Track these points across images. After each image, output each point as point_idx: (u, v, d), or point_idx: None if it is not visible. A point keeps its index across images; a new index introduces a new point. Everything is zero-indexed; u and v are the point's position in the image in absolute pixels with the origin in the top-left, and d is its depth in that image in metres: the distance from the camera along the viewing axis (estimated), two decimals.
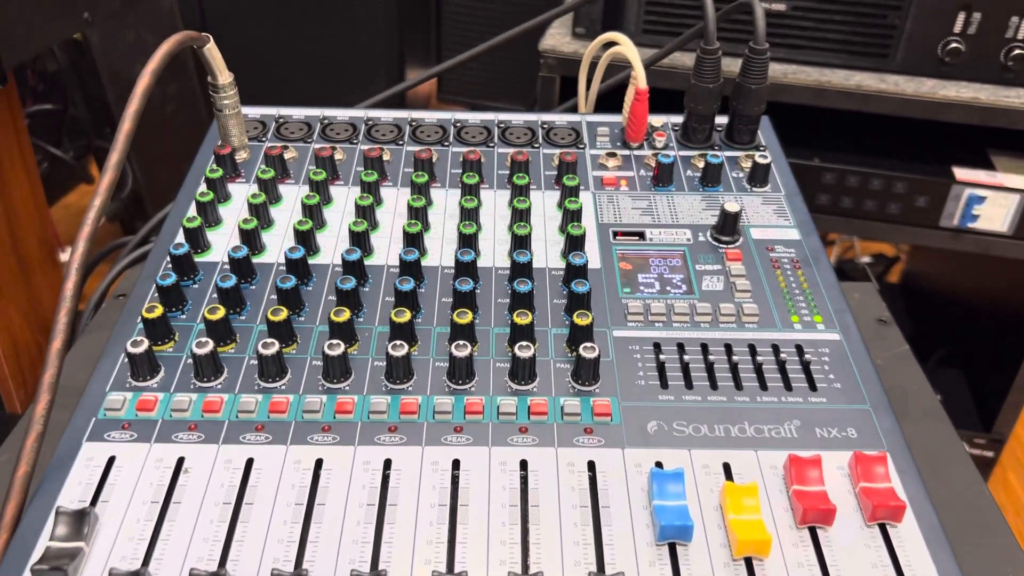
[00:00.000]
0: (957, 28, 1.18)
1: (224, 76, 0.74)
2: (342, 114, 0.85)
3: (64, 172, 2.03)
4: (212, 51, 0.71)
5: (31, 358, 1.55)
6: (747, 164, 0.78)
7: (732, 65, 0.79)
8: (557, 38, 1.29)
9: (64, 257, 2.01)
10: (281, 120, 0.84)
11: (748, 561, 0.50)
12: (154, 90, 1.87)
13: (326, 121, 0.84)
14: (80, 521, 0.49)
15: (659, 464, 0.54)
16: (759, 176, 0.76)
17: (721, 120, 0.83)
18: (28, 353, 1.54)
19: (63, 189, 2.15)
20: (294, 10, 2.11)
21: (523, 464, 0.54)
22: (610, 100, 0.96)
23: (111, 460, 0.54)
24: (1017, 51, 1.17)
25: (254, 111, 0.85)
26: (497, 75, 2.28)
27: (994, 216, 1.26)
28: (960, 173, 1.27)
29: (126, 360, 0.59)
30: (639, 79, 0.77)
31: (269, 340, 0.58)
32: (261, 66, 2.18)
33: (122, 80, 1.69)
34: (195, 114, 1.94)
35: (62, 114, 1.95)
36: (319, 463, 0.54)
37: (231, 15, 2.13)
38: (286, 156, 0.78)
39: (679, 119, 0.84)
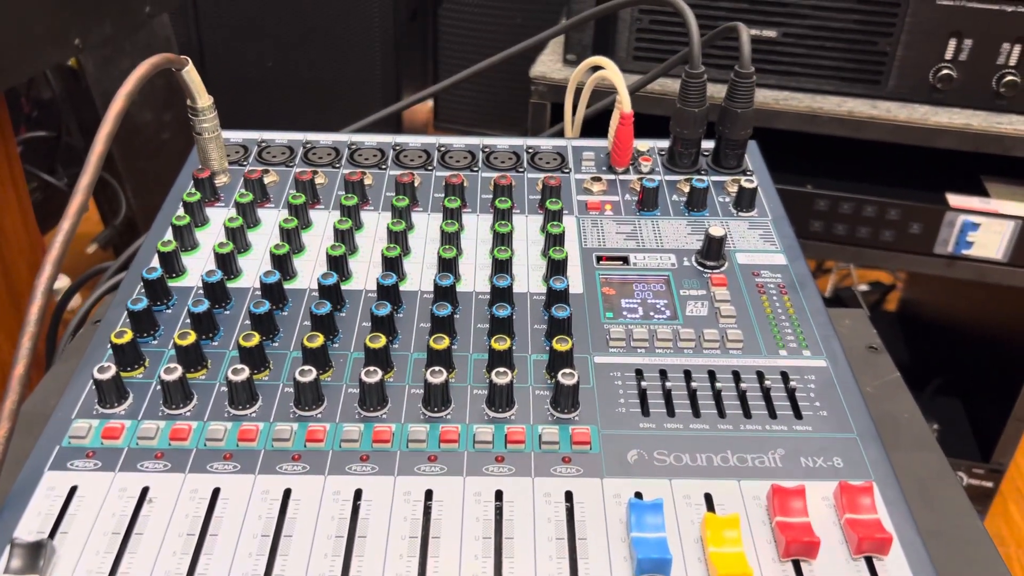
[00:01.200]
0: (948, 54, 1.18)
1: (203, 99, 0.73)
2: (325, 138, 0.84)
3: (58, 200, 2.02)
4: (191, 74, 0.71)
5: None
6: (733, 188, 0.77)
7: (719, 92, 0.78)
8: (548, 64, 1.29)
9: (57, 285, 2.01)
10: (263, 144, 0.83)
11: None
12: (149, 118, 1.87)
13: (308, 145, 0.83)
14: (36, 553, 0.47)
15: (639, 495, 0.53)
16: (745, 201, 0.75)
17: (708, 145, 0.82)
18: None
19: (56, 217, 2.14)
20: (291, 37, 2.12)
21: (498, 495, 0.53)
22: (599, 125, 0.95)
23: (73, 490, 0.52)
24: (1009, 77, 1.16)
25: (236, 135, 0.84)
26: (494, 102, 2.29)
27: (988, 243, 1.24)
28: (954, 200, 1.26)
29: (93, 387, 0.58)
30: (624, 103, 0.76)
31: (239, 366, 0.57)
32: (258, 93, 2.19)
33: None
34: (191, 142, 1.95)
35: (56, 141, 1.95)
36: (287, 493, 0.52)
37: (228, 42, 2.14)
38: (266, 180, 0.77)
39: (666, 144, 0.83)
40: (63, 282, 2.02)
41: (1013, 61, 1.16)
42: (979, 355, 1.59)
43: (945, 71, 1.18)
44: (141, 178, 1.92)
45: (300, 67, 2.16)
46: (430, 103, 2.40)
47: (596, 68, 0.80)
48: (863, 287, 2.21)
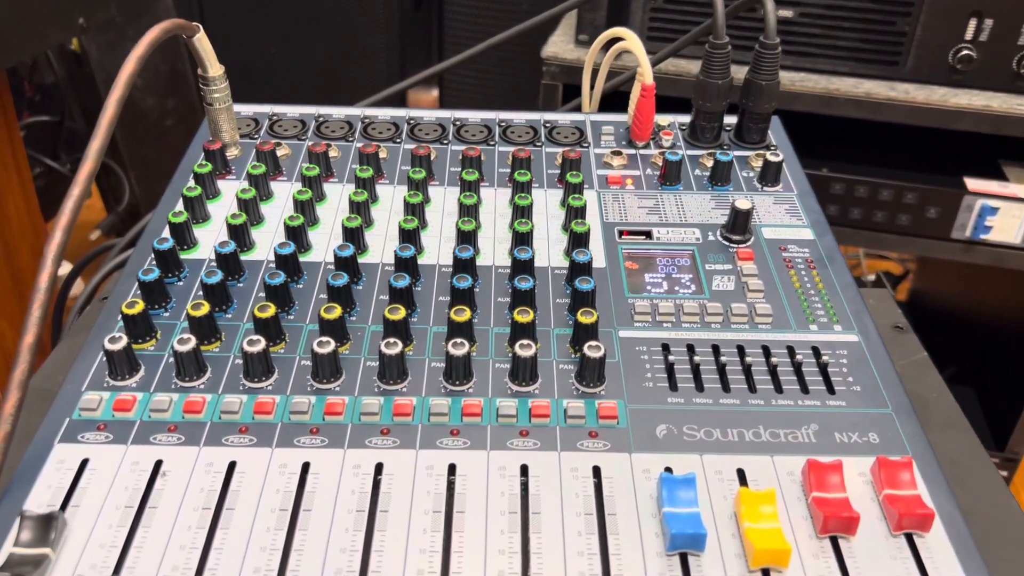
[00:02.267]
0: (968, 35, 1.16)
1: (215, 68, 0.71)
2: (338, 112, 0.82)
3: (61, 186, 2.00)
4: (202, 41, 0.69)
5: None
6: (757, 163, 0.76)
7: (738, 73, 0.76)
8: (560, 45, 1.27)
9: (59, 271, 1.99)
10: (275, 118, 0.81)
11: (766, 572, 0.46)
12: (153, 103, 1.85)
13: (321, 119, 0.81)
14: (46, 526, 0.45)
15: (669, 469, 0.51)
16: (771, 175, 0.73)
17: (729, 120, 0.81)
18: None
19: (59, 203, 2.13)
20: (295, 23, 2.09)
21: (523, 469, 0.51)
22: (614, 104, 0.93)
23: (84, 463, 0.50)
24: None
25: (247, 108, 0.82)
26: (500, 85, 2.26)
27: (1007, 227, 1.23)
28: (972, 183, 1.24)
29: (104, 358, 0.56)
30: (645, 74, 0.75)
31: (255, 337, 0.55)
32: (261, 80, 2.16)
33: None
34: (194, 128, 1.92)
35: (59, 126, 1.93)
36: (306, 467, 0.50)
37: (231, 27, 2.11)
38: (279, 153, 0.75)
39: (686, 119, 0.81)
40: (65, 268, 2.00)
41: None
42: (992, 344, 1.57)
43: (965, 52, 1.16)
44: (144, 165, 1.90)
45: (304, 55, 2.13)
46: (435, 91, 2.37)
47: (613, 44, 0.78)
48: (871, 277, 2.19)
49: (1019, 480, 1.69)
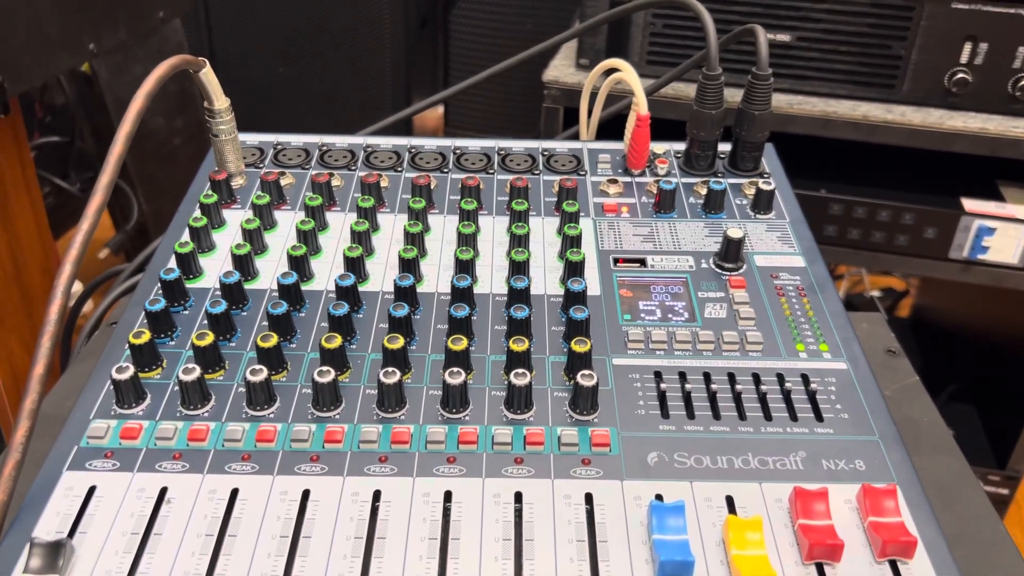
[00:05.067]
0: (964, 58, 1.18)
1: (220, 101, 0.73)
2: (341, 141, 0.84)
3: (70, 205, 2.03)
4: (208, 75, 0.71)
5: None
6: (751, 191, 0.77)
7: (734, 96, 0.78)
8: (561, 69, 1.29)
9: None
10: (279, 147, 0.83)
11: None
12: (161, 123, 1.87)
13: (324, 148, 0.83)
14: (55, 553, 0.47)
15: (659, 497, 0.52)
16: (763, 203, 0.75)
17: (724, 148, 0.82)
18: None
19: (69, 223, 2.15)
20: (302, 45, 2.12)
21: (518, 496, 0.52)
22: (613, 129, 0.95)
23: (91, 490, 0.52)
24: None
25: (252, 138, 0.84)
26: (504, 108, 2.28)
27: (1004, 248, 1.24)
28: (969, 204, 1.25)
29: (111, 387, 0.58)
30: (640, 105, 0.76)
31: (258, 367, 0.56)
32: (268, 100, 2.19)
33: None
34: (202, 147, 1.95)
35: (69, 146, 1.96)
36: (306, 494, 0.52)
37: (240, 50, 2.14)
38: (283, 182, 0.77)
39: (682, 146, 0.82)
40: (75, 287, 2.02)
41: None
42: (994, 361, 1.58)
43: (960, 75, 1.18)
44: (152, 183, 1.93)
45: (311, 74, 2.16)
46: (440, 110, 2.40)
47: (611, 71, 0.80)
48: (875, 293, 2.20)
49: (1021, 497, 1.69)
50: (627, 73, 0.77)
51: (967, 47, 1.17)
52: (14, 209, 1.52)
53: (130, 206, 1.95)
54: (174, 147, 1.93)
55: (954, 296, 1.80)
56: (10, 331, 1.54)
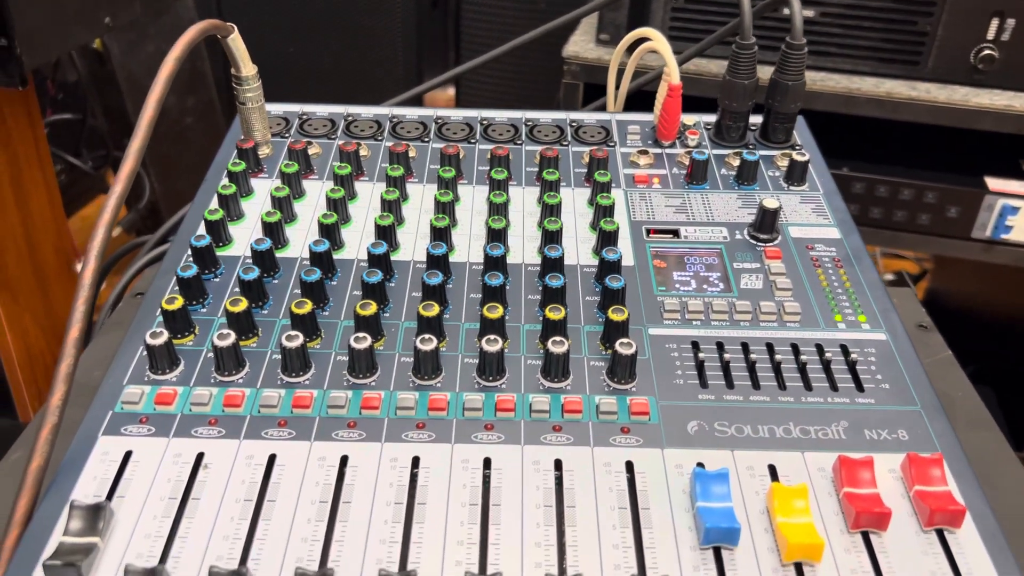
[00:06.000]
0: (990, 35, 1.16)
1: (248, 68, 0.72)
2: (367, 111, 0.83)
3: (82, 184, 2.02)
4: (236, 42, 0.70)
5: (46, 368, 1.53)
6: (783, 163, 0.76)
7: (762, 73, 0.77)
8: (581, 44, 1.27)
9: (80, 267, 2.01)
10: (304, 117, 0.82)
11: (799, 567, 0.47)
12: (173, 102, 1.85)
13: (350, 118, 0.82)
14: (95, 516, 0.46)
15: (701, 465, 0.52)
16: (797, 174, 0.74)
17: (755, 120, 0.81)
18: (43, 362, 1.52)
19: (81, 201, 2.15)
20: (312, 22, 2.10)
21: (557, 464, 0.52)
22: (638, 105, 0.94)
23: (128, 455, 0.51)
24: None
25: (277, 108, 0.83)
26: (516, 86, 2.27)
27: None
28: (993, 183, 1.24)
29: (144, 353, 0.57)
30: (672, 74, 0.75)
31: (293, 333, 0.56)
32: (278, 80, 2.17)
33: (142, 91, 1.69)
34: (213, 126, 1.94)
35: (81, 124, 1.95)
36: (344, 460, 0.51)
37: (250, 29, 2.12)
38: (309, 151, 0.76)
39: (712, 118, 0.81)
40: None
41: None
42: (1011, 343, 1.57)
43: (987, 51, 1.16)
44: (164, 163, 1.92)
45: (321, 54, 2.14)
46: (451, 91, 2.38)
47: (639, 42, 0.79)
48: (888, 277, 2.19)
49: None
50: (658, 42, 0.76)
51: (994, 23, 1.15)
52: (28, 187, 1.52)
53: (142, 185, 1.94)
54: (185, 126, 1.92)
55: (969, 279, 1.79)
56: (24, 309, 1.53)
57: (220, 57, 2.19)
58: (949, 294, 1.91)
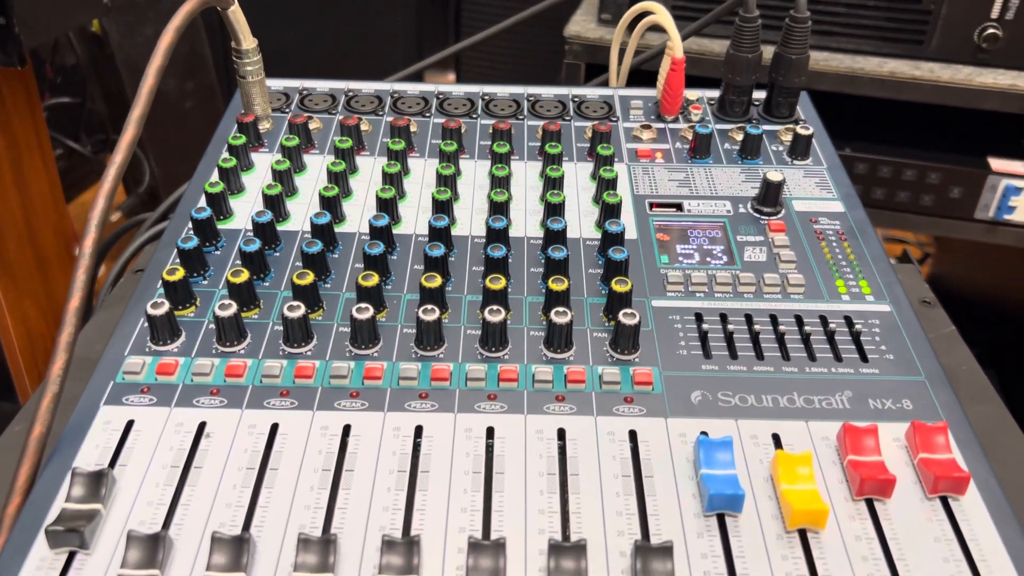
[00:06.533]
0: (994, 13, 1.15)
1: (248, 41, 0.72)
2: (367, 87, 0.83)
3: (82, 168, 2.02)
4: (236, 14, 0.69)
5: (46, 351, 1.53)
6: (787, 137, 0.76)
7: (765, 52, 0.76)
8: (582, 24, 1.26)
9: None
10: (305, 92, 0.82)
11: (803, 533, 0.47)
12: (172, 85, 1.84)
13: (351, 93, 0.82)
14: (97, 483, 0.46)
15: (705, 434, 0.51)
16: (800, 148, 0.74)
17: (758, 96, 0.81)
18: (44, 346, 1.52)
19: (81, 186, 2.14)
20: (313, 8, 2.09)
21: (560, 433, 0.52)
22: (640, 82, 0.93)
23: (129, 424, 0.51)
24: None
25: (278, 83, 0.83)
26: (517, 66, 2.25)
27: None
28: (996, 163, 1.23)
29: (146, 324, 0.57)
30: (676, 48, 0.75)
31: (295, 303, 0.56)
32: (278, 64, 2.17)
33: (140, 74, 1.68)
34: (213, 110, 1.93)
35: (80, 108, 1.94)
36: (347, 429, 0.51)
37: (249, 13, 2.12)
38: (311, 126, 0.76)
39: (715, 94, 0.81)
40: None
41: None
42: (1012, 327, 1.57)
43: (991, 30, 1.15)
44: (164, 146, 1.91)
45: (321, 37, 2.13)
46: (451, 75, 2.37)
47: (641, 17, 0.79)
48: (891, 261, 2.18)
49: None
50: (661, 16, 0.75)
51: (998, 1, 1.14)
52: (27, 170, 1.51)
53: (142, 169, 1.93)
54: (185, 110, 1.91)
55: (970, 262, 1.79)
56: (24, 293, 1.53)
57: (220, 41, 2.18)
58: (951, 278, 1.91)
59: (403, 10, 2.06)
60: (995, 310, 1.67)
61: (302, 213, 0.68)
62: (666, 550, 0.44)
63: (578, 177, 0.72)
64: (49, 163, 1.61)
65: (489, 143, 0.75)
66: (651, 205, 0.70)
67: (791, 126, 0.76)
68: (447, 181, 0.68)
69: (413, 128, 0.76)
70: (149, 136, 1.88)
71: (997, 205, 1.23)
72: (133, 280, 0.78)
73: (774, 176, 0.67)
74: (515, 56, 2.21)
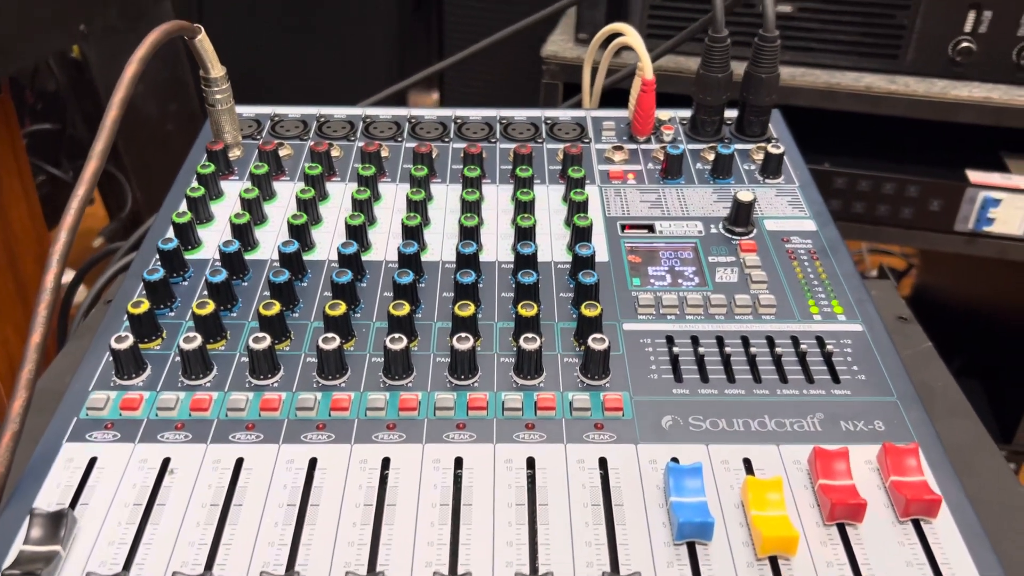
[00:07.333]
0: (967, 27, 1.16)
1: (216, 69, 0.71)
2: (339, 112, 0.83)
3: (63, 195, 2.01)
4: (204, 43, 0.69)
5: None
6: (759, 156, 0.76)
7: (737, 68, 0.76)
8: (559, 44, 1.27)
9: (64, 278, 1.99)
10: (276, 118, 0.82)
11: (773, 560, 0.46)
12: (154, 109, 1.84)
13: (323, 119, 0.82)
14: (56, 523, 0.45)
15: (675, 460, 0.51)
16: (772, 167, 0.73)
17: (730, 115, 0.81)
18: None
19: (62, 212, 2.13)
20: (295, 24, 2.10)
21: (530, 462, 0.51)
22: (615, 101, 0.93)
23: (92, 461, 0.51)
24: None
25: (249, 110, 0.82)
26: (500, 85, 2.26)
27: (1010, 219, 1.22)
28: (974, 176, 1.24)
29: (110, 358, 0.56)
30: (645, 69, 0.75)
31: (260, 335, 0.55)
32: (261, 84, 2.17)
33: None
34: (195, 133, 1.93)
35: (61, 134, 1.94)
36: (313, 462, 0.51)
37: (231, 29, 2.12)
38: (281, 153, 0.75)
39: (687, 114, 0.81)
40: (68, 276, 2.00)
41: None
42: (997, 336, 1.57)
43: (964, 44, 1.16)
44: (146, 171, 1.91)
45: (304, 56, 2.14)
46: (436, 94, 2.38)
47: (614, 38, 0.79)
48: (874, 273, 2.19)
49: None
50: (631, 37, 0.75)
51: (971, 15, 1.15)
52: (7, 197, 1.50)
53: (124, 194, 1.92)
54: (167, 134, 1.91)
55: (956, 273, 1.79)
56: (5, 320, 1.52)
57: None
58: (935, 288, 1.91)
59: (386, 23, 2.06)
60: (980, 319, 1.67)
61: (271, 242, 0.67)
62: None
63: (550, 200, 0.72)
64: (29, 190, 1.60)
65: (461, 167, 0.75)
66: (623, 227, 0.69)
67: (763, 144, 0.76)
68: (417, 206, 0.68)
69: (385, 153, 0.76)
70: (131, 161, 1.87)
71: (976, 217, 1.24)
72: (104, 311, 0.77)
73: (745, 196, 0.67)
74: (501, 74, 2.22)
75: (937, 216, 1.25)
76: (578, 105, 0.94)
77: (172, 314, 0.61)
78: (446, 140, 0.79)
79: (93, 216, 2.17)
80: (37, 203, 1.61)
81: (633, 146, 0.78)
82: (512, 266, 0.65)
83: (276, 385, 0.55)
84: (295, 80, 2.16)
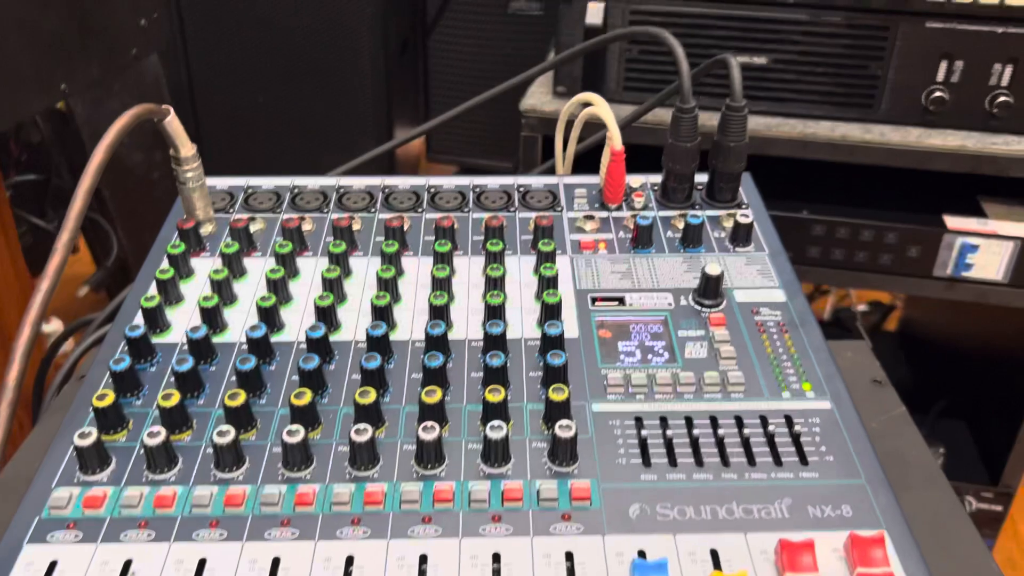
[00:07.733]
0: (940, 77, 1.17)
1: (186, 149, 0.72)
2: (313, 183, 0.83)
3: (47, 245, 2.00)
4: (173, 124, 0.69)
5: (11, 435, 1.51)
6: (729, 223, 0.76)
7: (711, 120, 0.77)
8: (538, 97, 1.28)
9: (47, 328, 1.98)
10: (249, 191, 0.82)
11: None
12: (139, 158, 1.85)
13: (296, 190, 0.82)
14: None
15: (642, 553, 0.51)
16: (741, 236, 0.74)
17: (701, 179, 0.81)
18: None
19: (47, 261, 2.13)
20: (282, 76, 2.11)
21: (496, 557, 0.51)
22: (592, 159, 0.94)
23: (52, 565, 0.50)
24: (1002, 98, 1.15)
25: (222, 182, 0.83)
26: (485, 133, 2.28)
27: (988, 264, 1.23)
28: (951, 222, 1.25)
29: (74, 453, 0.56)
30: (614, 140, 0.75)
31: (225, 427, 0.55)
32: (250, 130, 2.18)
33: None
34: None
35: (45, 184, 1.94)
36: (276, 562, 0.50)
37: (219, 81, 2.13)
38: (252, 228, 0.76)
39: (658, 178, 0.81)
40: (55, 325, 1.99)
41: (1005, 81, 1.15)
42: (984, 375, 1.57)
43: (938, 93, 1.17)
44: (132, 218, 1.91)
45: (291, 100, 2.15)
46: (421, 139, 2.39)
47: (587, 104, 0.79)
48: (862, 307, 2.19)
49: (1016, 513, 1.68)
50: (600, 108, 0.76)
51: (943, 65, 1.16)
52: None
53: (109, 241, 1.92)
54: (153, 181, 1.91)
55: (942, 310, 1.79)
56: None
57: (187, 111, 2.19)
58: (922, 324, 1.92)
59: (373, 68, 2.07)
60: (965, 358, 1.67)
61: (242, 321, 0.67)
62: None
63: (522, 272, 0.72)
64: (12, 242, 1.60)
65: (434, 239, 0.75)
66: (593, 299, 0.69)
67: (732, 212, 0.77)
68: (387, 284, 0.68)
69: (356, 226, 0.76)
70: (116, 208, 1.88)
71: (955, 263, 1.24)
72: (76, 387, 0.77)
73: (713, 270, 0.67)
74: (486, 120, 2.23)
75: (916, 262, 1.25)
76: (552, 169, 0.94)
77: (139, 403, 0.60)
78: (419, 210, 0.79)
79: (79, 263, 2.17)
80: (20, 255, 1.61)
81: (604, 214, 0.78)
82: (482, 344, 0.65)
83: (241, 478, 0.55)
84: (283, 121, 2.17)
